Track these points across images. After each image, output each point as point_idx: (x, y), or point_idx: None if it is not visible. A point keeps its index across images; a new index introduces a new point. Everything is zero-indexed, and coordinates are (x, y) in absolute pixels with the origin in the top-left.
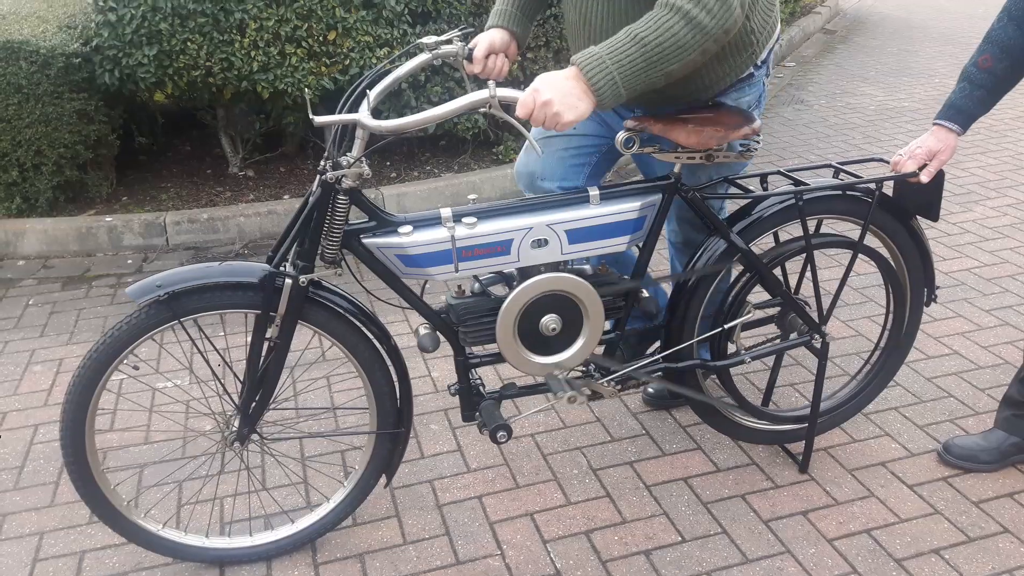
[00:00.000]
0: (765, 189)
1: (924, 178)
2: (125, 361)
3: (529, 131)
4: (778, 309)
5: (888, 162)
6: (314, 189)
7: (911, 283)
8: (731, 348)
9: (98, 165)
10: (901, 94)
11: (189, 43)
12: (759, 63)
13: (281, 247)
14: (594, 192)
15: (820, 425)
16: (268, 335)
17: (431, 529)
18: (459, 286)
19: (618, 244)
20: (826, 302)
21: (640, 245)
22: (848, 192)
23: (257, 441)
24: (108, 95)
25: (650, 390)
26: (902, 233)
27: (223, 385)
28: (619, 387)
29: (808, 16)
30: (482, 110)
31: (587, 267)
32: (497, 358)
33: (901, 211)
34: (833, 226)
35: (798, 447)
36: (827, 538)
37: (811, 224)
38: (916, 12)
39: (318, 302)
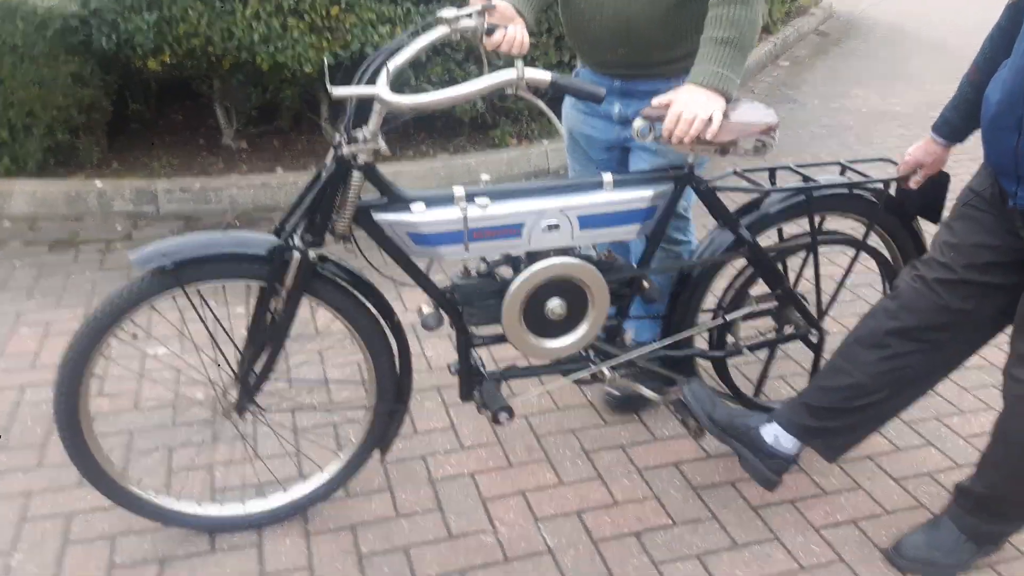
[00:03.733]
0: (773, 183)
1: (912, 186)
2: (123, 327)
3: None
4: (776, 303)
5: (895, 163)
6: (328, 163)
7: None
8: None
9: (90, 130)
10: (893, 98)
11: (190, 10)
12: None
13: (290, 219)
14: (608, 179)
15: None
16: (272, 307)
17: (424, 504)
18: (464, 266)
19: (628, 231)
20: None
21: (648, 234)
22: (855, 191)
23: (254, 411)
24: (104, 59)
25: (616, 392)
26: (903, 233)
27: (224, 355)
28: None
29: (803, 16)
30: (509, 91)
31: (593, 253)
32: (499, 339)
33: (903, 212)
34: (832, 223)
35: None
36: (815, 527)
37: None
38: (908, 20)
39: (325, 276)
